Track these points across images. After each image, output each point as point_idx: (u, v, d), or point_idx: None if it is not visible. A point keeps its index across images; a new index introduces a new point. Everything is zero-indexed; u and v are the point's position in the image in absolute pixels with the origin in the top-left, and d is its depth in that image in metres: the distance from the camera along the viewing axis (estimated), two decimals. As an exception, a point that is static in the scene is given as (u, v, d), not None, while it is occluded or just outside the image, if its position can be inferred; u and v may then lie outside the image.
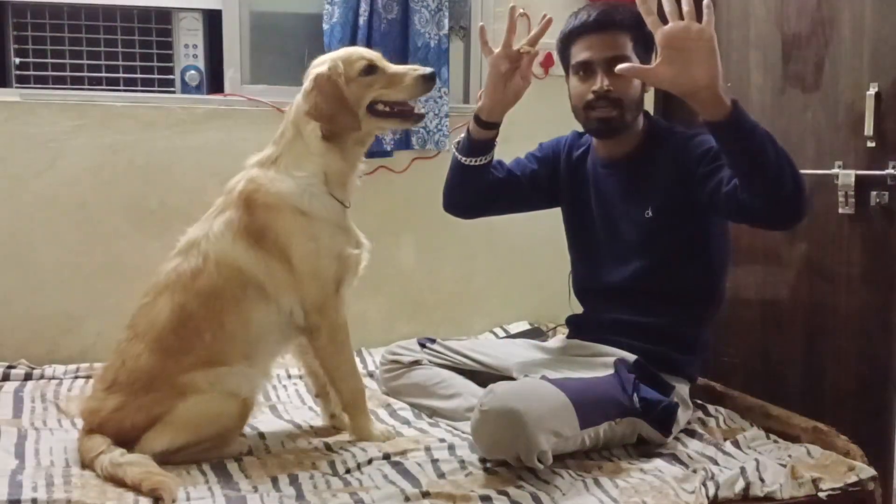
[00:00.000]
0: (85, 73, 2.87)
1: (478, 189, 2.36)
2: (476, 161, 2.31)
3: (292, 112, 2.11)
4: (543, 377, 2.04)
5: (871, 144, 2.40)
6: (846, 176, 2.45)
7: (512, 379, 2.15)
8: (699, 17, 1.79)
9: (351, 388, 2.12)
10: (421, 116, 2.22)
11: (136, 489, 1.76)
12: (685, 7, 1.79)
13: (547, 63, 3.12)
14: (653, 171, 2.23)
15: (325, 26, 2.92)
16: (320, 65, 2.10)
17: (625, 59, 2.13)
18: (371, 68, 2.09)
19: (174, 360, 1.96)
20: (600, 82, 2.17)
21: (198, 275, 2.00)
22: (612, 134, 2.24)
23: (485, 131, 2.27)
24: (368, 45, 2.88)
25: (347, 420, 2.16)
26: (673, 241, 2.21)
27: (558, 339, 2.52)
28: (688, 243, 2.21)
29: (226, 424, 1.98)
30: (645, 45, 2.18)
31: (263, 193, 2.04)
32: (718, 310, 2.33)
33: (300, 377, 2.68)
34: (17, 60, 2.81)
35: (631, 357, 2.15)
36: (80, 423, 2.19)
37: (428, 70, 2.12)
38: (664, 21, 1.82)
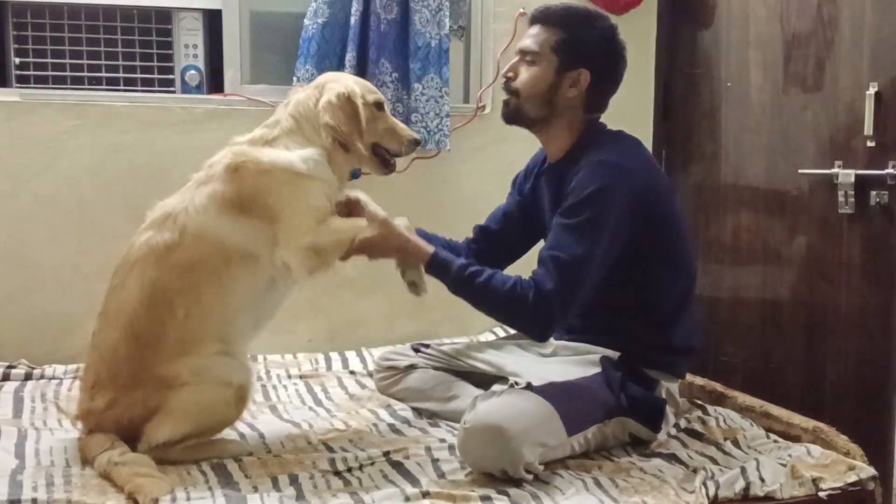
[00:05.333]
0: (85, 73, 2.86)
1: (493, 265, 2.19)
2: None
3: (294, 108, 2.09)
4: (529, 385, 2.00)
5: (871, 144, 2.41)
6: (846, 176, 2.45)
7: (505, 379, 2.13)
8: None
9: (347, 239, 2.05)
10: (393, 170, 2.23)
11: (122, 490, 1.76)
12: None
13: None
14: (568, 182, 2.11)
15: (308, 22, 2.85)
16: (335, 81, 2.12)
17: (534, 53, 2.18)
18: (381, 106, 2.14)
19: (151, 349, 1.92)
20: (506, 67, 2.26)
21: (174, 248, 1.95)
22: (509, 120, 2.25)
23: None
24: (364, 45, 2.87)
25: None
26: None
27: (549, 341, 2.49)
28: (620, 257, 2.07)
29: (223, 412, 1.97)
30: (570, 49, 2.14)
31: (254, 162, 2.00)
32: (686, 313, 2.18)
33: (300, 377, 2.68)
34: (17, 60, 2.81)
35: (615, 354, 2.14)
36: (80, 424, 2.20)
37: (419, 135, 2.26)
38: None
